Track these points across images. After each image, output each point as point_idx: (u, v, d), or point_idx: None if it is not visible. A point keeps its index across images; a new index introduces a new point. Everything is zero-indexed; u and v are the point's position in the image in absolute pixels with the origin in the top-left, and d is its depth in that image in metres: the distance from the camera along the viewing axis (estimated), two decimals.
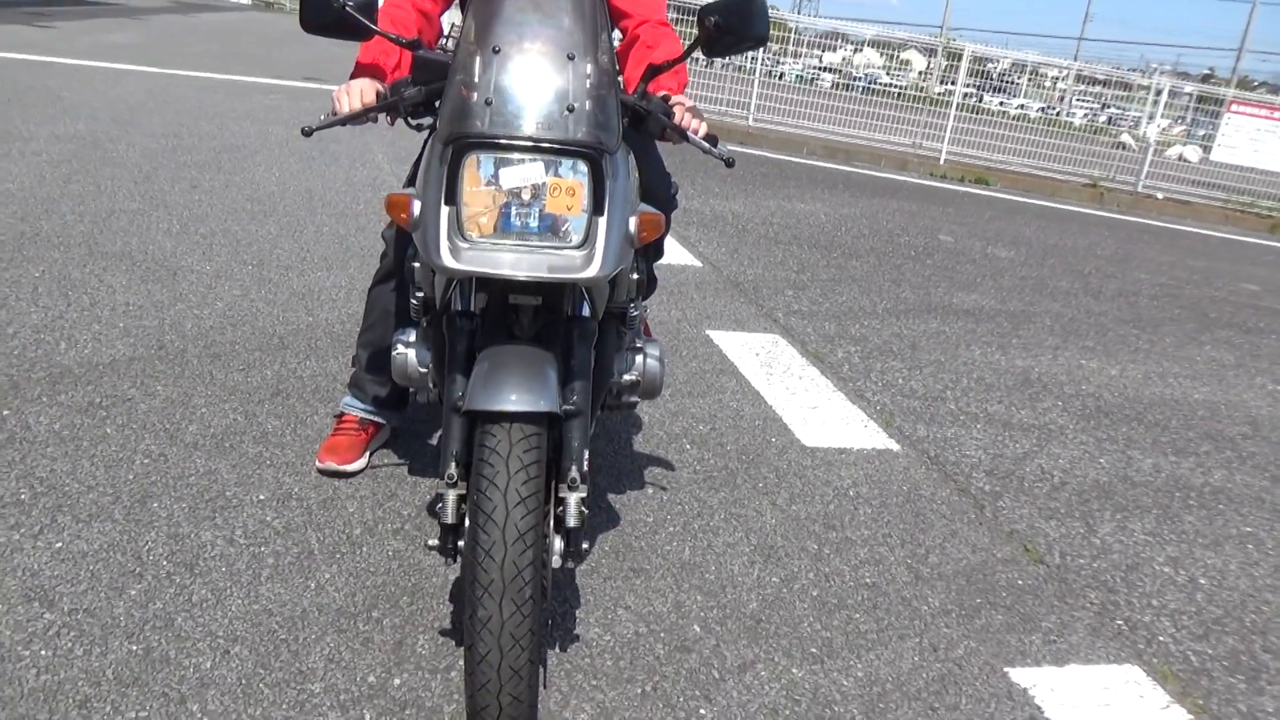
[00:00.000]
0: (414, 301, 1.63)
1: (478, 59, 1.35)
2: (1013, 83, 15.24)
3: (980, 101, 13.09)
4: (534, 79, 1.34)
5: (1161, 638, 2.02)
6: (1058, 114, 16.85)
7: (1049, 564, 2.26)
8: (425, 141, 1.71)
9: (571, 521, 1.40)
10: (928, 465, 2.70)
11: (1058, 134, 12.52)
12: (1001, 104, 14.42)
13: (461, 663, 1.58)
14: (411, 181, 1.79)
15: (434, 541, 1.42)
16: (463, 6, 1.89)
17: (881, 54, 15.38)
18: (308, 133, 1.55)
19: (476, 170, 1.34)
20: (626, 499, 2.24)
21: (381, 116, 1.64)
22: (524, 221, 1.36)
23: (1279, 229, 10.27)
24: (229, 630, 1.59)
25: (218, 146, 5.55)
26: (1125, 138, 13.34)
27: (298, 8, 1.57)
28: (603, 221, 1.38)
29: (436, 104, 1.54)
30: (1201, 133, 12.60)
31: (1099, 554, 2.35)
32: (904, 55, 15.60)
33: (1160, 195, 10.73)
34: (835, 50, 13.89)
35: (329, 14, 1.53)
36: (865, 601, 1.96)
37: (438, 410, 1.87)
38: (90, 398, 2.31)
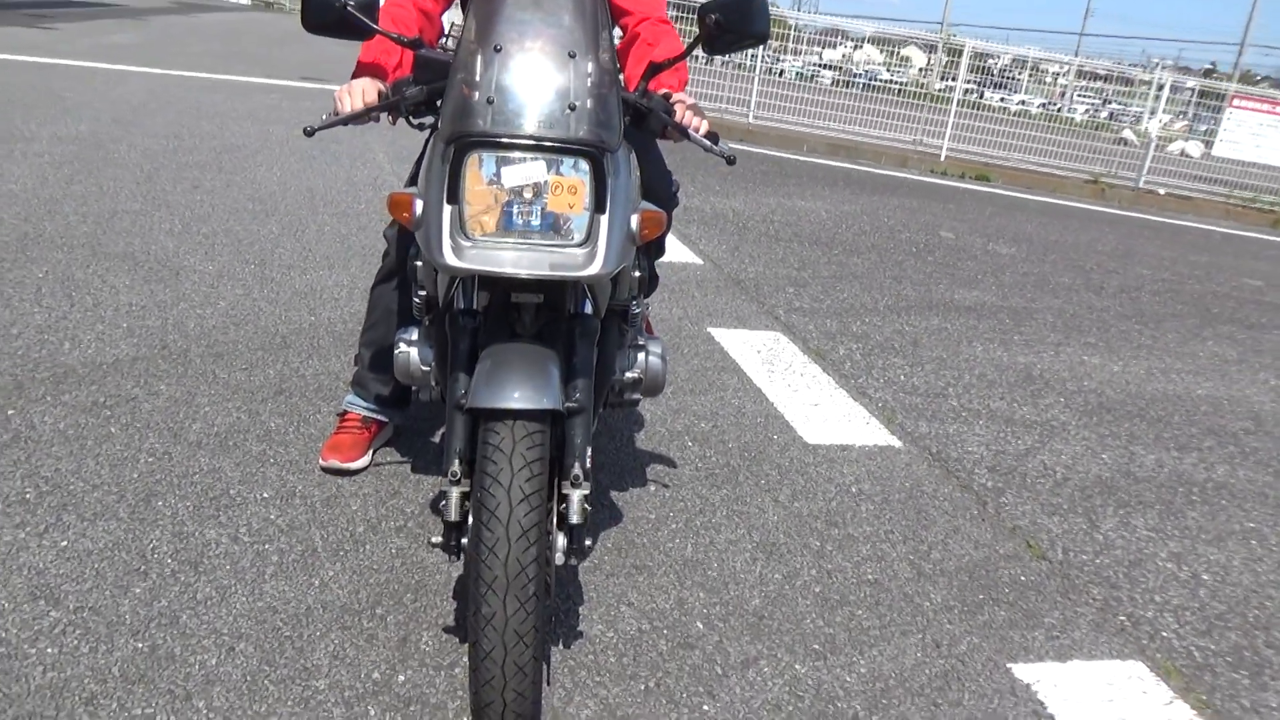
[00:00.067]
0: (416, 300, 1.64)
1: (479, 58, 1.36)
2: (1013, 79, 15.21)
3: (981, 98, 13.06)
4: (535, 77, 1.34)
5: (1165, 633, 2.03)
6: (1059, 110, 16.82)
7: (1052, 560, 2.26)
8: (427, 141, 1.72)
9: (574, 518, 1.41)
10: (930, 462, 2.70)
11: (1059, 130, 12.51)
12: (1002, 100, 14.40)
13: (465, 659, 1.58)
14: (413, 181, 1.80)
15: (437, 539, 1.43)
16: (463, 5, 1.89)
17: (882, 50, 15.37)
18: (310, 132, 1.55)
19: (478, 169, 1.35)
20: (629, 496, 2.24)
21: (383, 116, 1.64)
22: (526, 220, 1.36)
23: None
24: (234, 627, 1.60)
25: (219, 146, 5.56)
26: (1127, 133, 13.32)
27: (299, 8, 1.57)
28: (604, 219, 1.38)
29: (438, 103, 1.55)
30: (1203, 128, 12.58)
31: (1102, 550, 2.35)
32: (904, 52, 15.58)
33: (1162, 191, 10.72)
34: (835, 47, 13.86)
35: (330, 14, 1.53)
36: (868, 598, 1.97)
37: (440, 408, 1.88)
38: (94, 397, 2.32)
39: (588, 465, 1.42)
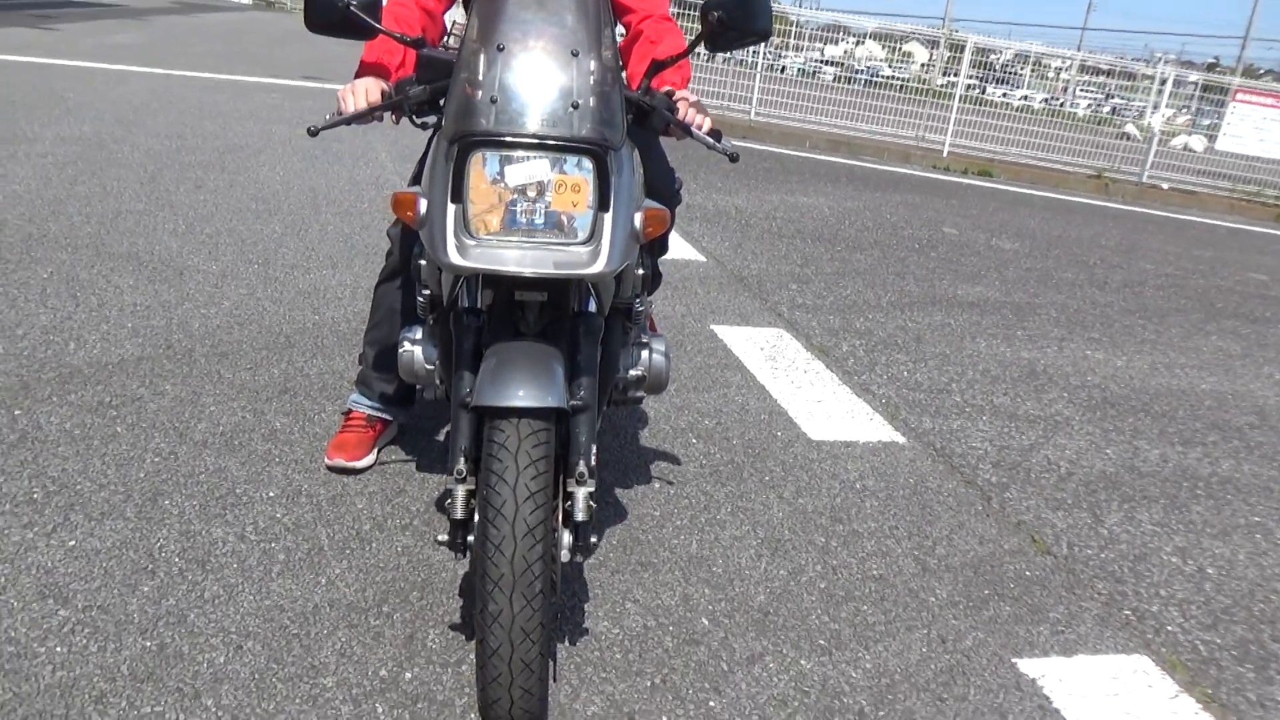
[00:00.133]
0: (420, 299, 1.64)
1: (482, 57, 1.36)
2: (1016, 74, 15.17)
3: (983, 93, 13.03)
4: (538, 76, 1.34)
5: (1170, 627, 2.03)
6: (1061, 105, 16.78)
7: (1056, 555, 2.26)
8: (430, 140, 1.72)
9: (580, 516, 1.41)
10: (934, 457, 2.70)
11: (1061, 125, 12.48)
12: (1004, 95, 14.36)
13: (472, 656, 1.59)
14: (417, 180, 1.80)
15: (443, 536, 1.43)
16: (466, 4, 1.90)
17: (883, 46, 15.32)
18: (313, 132, 1.55)
19: (482, 168, 1.35)
20: (633, 493, 2.24)
21: (386, 115, 1.64)
22: (530, 218, 1.36)
23: None
24: (241, 626, 1.61)
25: (221, 146, 5.57)
26: (1130, 128, 13.29)
27: (301, 7, 1.57)
28: (608, 217, 1.38)
29: (441, 102, 1.55)
30: (1207, 122, 12.55)
31: (1106, 544, 2.35)
32: (906, 47, 15.55)
33: (1165, 185, 10.69)
34: (837, 43, 13.83)
35: (334, 13, 1.53)
36: (873, 593, 1.97)
37: (444, 407, 1.88)
38: (100, 397, 2.33)
39: (592, 463, 1.43)
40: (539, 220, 1.37)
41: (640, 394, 1.81)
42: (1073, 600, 2.06)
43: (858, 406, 2.98)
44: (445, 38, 2.05)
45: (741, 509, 2.24)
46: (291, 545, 1.85)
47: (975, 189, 8.94)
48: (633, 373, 1.75)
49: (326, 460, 2.14)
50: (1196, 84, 12.70)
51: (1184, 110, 13.34)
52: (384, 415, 2.22)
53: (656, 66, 1.62)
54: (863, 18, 13.02)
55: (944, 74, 13.36)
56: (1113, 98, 16.76)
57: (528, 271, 1.35)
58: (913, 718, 1.62)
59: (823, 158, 9.58)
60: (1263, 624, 2.10)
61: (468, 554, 1.45)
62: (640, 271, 1.68)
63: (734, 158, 1.62)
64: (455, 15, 2.05)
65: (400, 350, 1.69)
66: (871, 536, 2.20)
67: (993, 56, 13.45)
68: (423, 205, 1.42)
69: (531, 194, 1.35)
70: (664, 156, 2.03)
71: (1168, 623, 2.04)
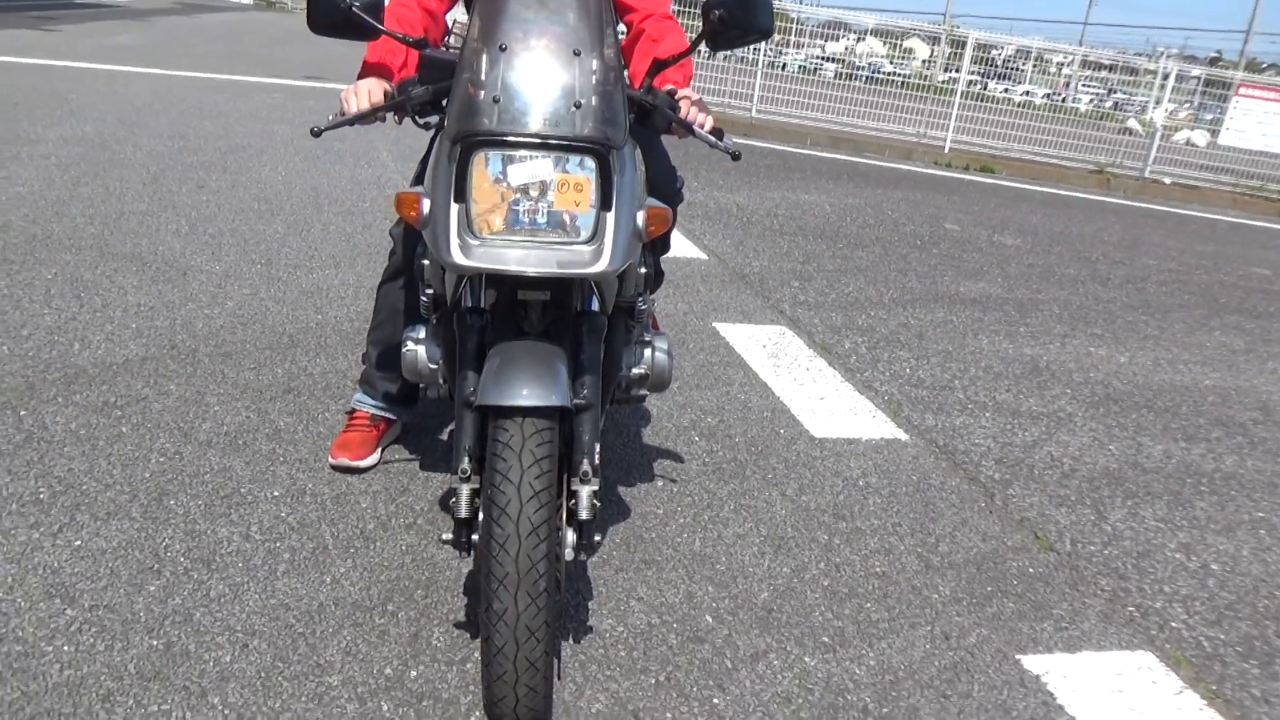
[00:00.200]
0: (424, 298, 1.64)
1: (484, 57, 1.36)
2: (1017, 69, 15.14)
3: (985, 89, 13.01)
4: (541, 76, 1.34)
5: (1174, 624, 2.03)
6: (1063, 100, 16.74)
7: (1060, 551, 2.26)
8: (432, 140, 1.72)
9: (584, 514, 1.41)
10: (937, 454, 2.70)
11: (1063, 120, 12.45)
12: (1006, 91, 14.34)
13: (477, 654, 1.60)
14: (419, 179, 1.81)
15: (448, 535, 1.44)
16: (468, 4, 1.90)
17: (884, 43, 15.29)
18: (317, 133, 1.56)
19: (485, 168, 1.35)
20: (637, 491, 2.25)
21: (389, 116, 1.65)
22: (532, 218, 1.37)
23: None
24: (247, 624, 1.61)
25: (223, 147, 5.57)
26: (1132, 123, 13.26)
27: (302, 7, 1.58)
28: (611, 217, 1.39)
29: (444, 102, 1.55)
30: (1209, 116, 12.51)
31: (1110, 541, 2.35)
32: (907, 44, 15.51)
33: (1168, 180, 10.67)
34: (838, 39, 13.81)
35: (336, 14, 1.54)
36: (876, 590, 1.97)
37: (448, 406, 1.89)
38: (105, 397, 2.34)
39: (596, 461, 1.43)
40: (542, 220, 1.37)
41: (643, 392, 1.81)
42: (1076, 597, 2.07)
43: (860, 404, 2.98)
44: (446, 36, 2.05)
45: (744, 506, 2.25)
46: (296, 544, 1.86)
47: (977, 185, 8.93)
48: (635, 371, 1.75)
49: (330, 460, 2.15)
50: (1199, 78, 12.67)
51: (1186, 105, 13.31)
52: (387, 414, 2.23)
53: (658, 65, 1.63)
54: (863, 14, 13.01)
55: (945, 70, 13.33)
56: (1115, 93, 16.72)
57: (531, 271, 1.36)
58: (917, 715, 1.62)
59: (824, 155, 9.58)
60: (1267, 620, 2.10)
61: (472, 552, 1.46)
62: (643, 270, 1.68)
63: (736, 156, 1.62)
64: (457, 14, 2.05)
65: (403, 350, 1.69)
66: (874, 534, 2.20)
67: (994, 52, 13.44)
68: (426, 205, 1.42)
69: (534, 193, 1.36)
70: (666, 155, 2.03)
71: (1172, 619, 2.04)
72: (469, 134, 1.35)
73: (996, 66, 13.58)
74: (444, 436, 2.40)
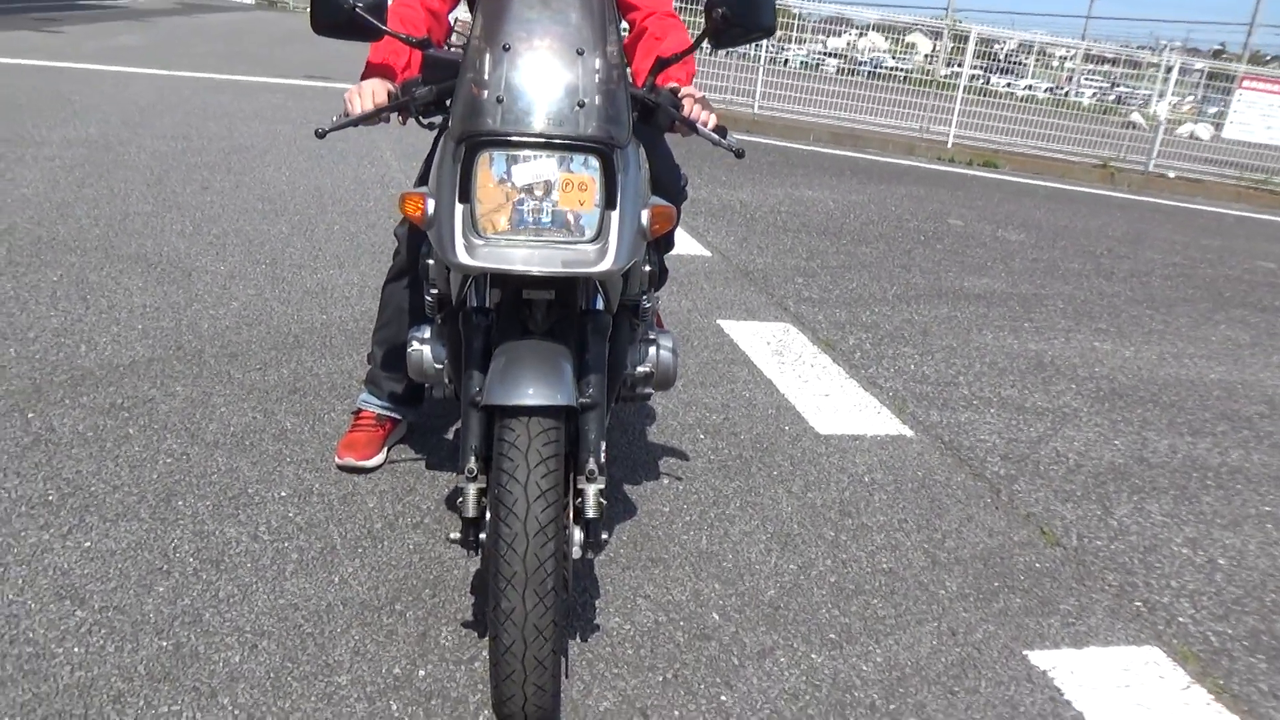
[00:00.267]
0: (429, 298, 1.65)
1: (488, 56, 1.36)
2: (1020, 63, 15.10)
3: (987, 83, 12.97)
4: (544, 75, 1.34)
5: (1181, 618, 2.03)
6: (1066, 94, 16.69)
7: (1066, 547, 2.26)
8: (435, 140, 1.73)
9: (590, 513, 1.42)
10: (942, 450, 2.70)
11: (1067, 114, 12.42)
12: (1009, 85, 14.29)
13: (485, 653, 1.60)
14: (422, 180, 1.81)
15: (455, 535, 1.44)
16: (471, 4, 1.90)
17: (886, 37, 15.26)
18: (321, 134, 1.56)
19: (489, 168, 1.36)
20: (643, 489, 2.25)
21: (393, 116, 1.65)
22: (537, 217, 1.37)
23: None
24: (256, 625, 1.62)
25: (227, 147, 5.58)
26: (1135, 117, 13.21)
27: (304, 7, 1.58)
28: (615, 215, 1.39)
29: (447, 103, 1.55)
30: (1213, 110, 12.47)
31: (1116, 536, 2.35)
32: (909, 38, 15.48)
33: (1172, 174, 10.63)
34: (839, 35, 13.78)
35: (340, 15, 1.54)
36: (883, 587, 1.98)
37: (453, 405, 1.89)
38: (112, 399, 2.35)
39: (602, 460, 1.43)
40: (546, 219, 1.37)
41: (648, 390, 1.82)
42: (1083, 592, 2.07)
43: (865, 400, 2.98)
44: (450, 35, 2.05)
45: (750, 504, 2.25)
46: (304, 544, 1.87)
47: (980, 180, 8.91)
48: (640, 369, 1.75)
49: (337, 459, 2.16)
50: (1202, 71, 12.62)
51: (1190, 98, 13.25)
52: (393, 414, 2.24)
53: (661, 63, 1.63)
54: (865, 9, 12.96)
55: (948, 65, 13.30)
56: (1118, 86, 16.66)
57: (536, 270, 1.36)
58: (924, 711, 1.62)
59: (827, 150, 9.56)
60: (1274, 614, 2.10)
61: (479, 551, 1.46)
62: (647, 268, 1.69)
63: (739, 154, 1.62)
64: (459, 13, 2.05)
65: (409, 349, 1.69)
66: (880, 530, 2.20)
67: (996, 46, 13.38)
68: (430, 205, 1.42)
69: (538, 193, 1.36)
70: (669, 153, 2.03)
71: (1179, 614, 2.04)
72: (473, 134, 1.35)
73: (999, 61, 13.53)
74: (450, 436, 2.41)
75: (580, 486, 1.43)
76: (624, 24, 1.94)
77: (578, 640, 1.69)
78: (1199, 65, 12.82)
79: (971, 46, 11.09)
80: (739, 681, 1.64)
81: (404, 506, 2.05)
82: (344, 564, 1.82)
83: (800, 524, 2.19)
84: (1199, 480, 2.76)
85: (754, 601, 1.87)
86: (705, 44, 1.57)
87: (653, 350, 1.77)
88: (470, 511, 1.42)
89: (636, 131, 1.56)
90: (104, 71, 8.17)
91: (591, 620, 1.75)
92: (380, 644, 1.62)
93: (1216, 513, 2.57)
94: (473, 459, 1.40)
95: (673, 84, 1.71)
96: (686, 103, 1.67)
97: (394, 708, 1.48)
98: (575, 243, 1.38)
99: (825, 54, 14.13)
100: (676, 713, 1.54)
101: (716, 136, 1.64)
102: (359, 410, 2.24)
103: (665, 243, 2.11)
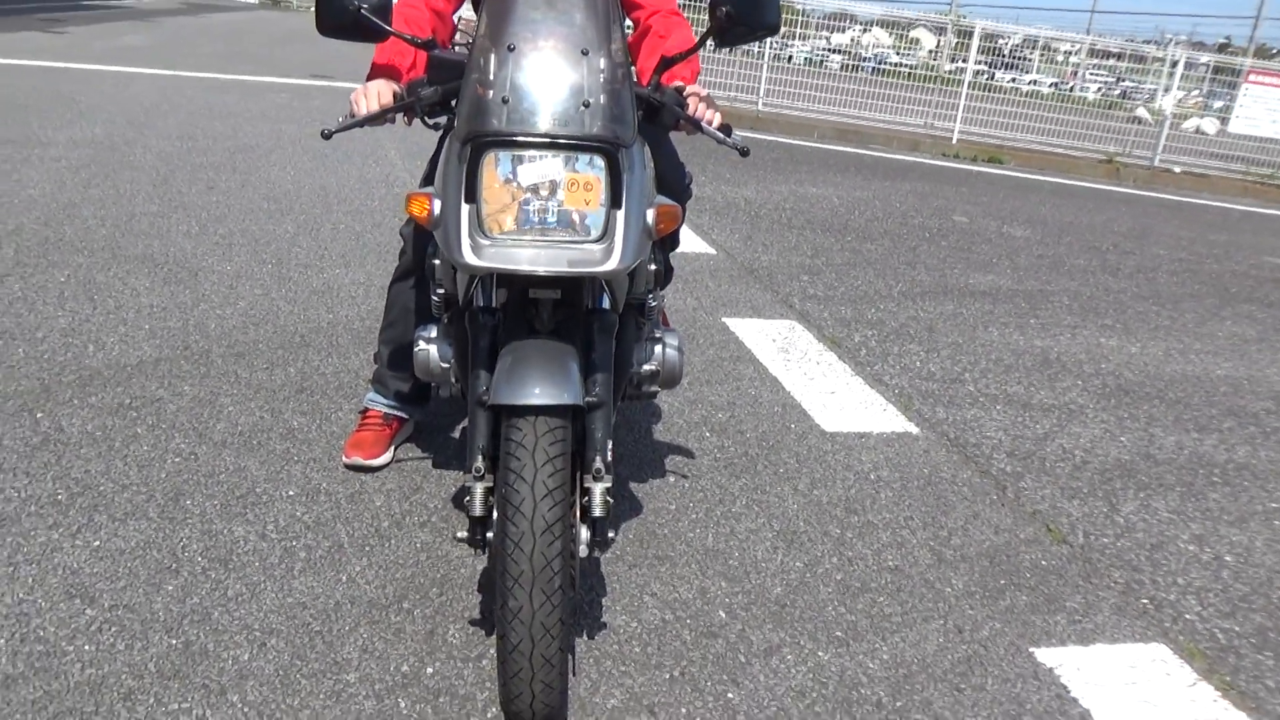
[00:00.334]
0: (435, 298, 1.65)
1: (493, 57, 1.37)
2: (1025, 58, 15.04)
3: (992, 79, 12.93)
4: (549, 75, 1.35)
5: (1188, 615, 2.02)
6: (1071, 89, 16.63)
7: (1072, 544, 2.26)
8: (440, 140, 1.73)
9: (597, 511, 1.42)
10: (948, 447, 2.70)
11: (1072, 109, 12.38)
12: (1013, 80, 14.25)
13: (493, 651, 1.61)
14: (428, 179, 1.81)
15: (463, 533, 1.45)
16: (475, 4, 1.90)
17: (890, 33, 15.23)
18: (328, 135, 1.57)
19: (495, 168, 1.36)
20: (649, 488, 2.26)
21: (399, 116, 1.65)
22: (543, 217, 1.37)
23: None
24: (264, 623, 1.63)
25: (232, 147, 5.60)
26: (1141, 111, 13.16)
27: (307, 6, 1.59)
28: (621, 215, 1.39)
29: (453, 103, 1.56)
30: (1219, 104, 12.41)
31: (1123, 533, 2.35)
32: (913, 34, 15.44)
33: (1178, 169, 10.60)
34: (843, 31, 13.74)
35: (345, 17, 1.54)
36: (889, 584, 1.98)
37: (460, 404, 1.90)
38: (120, 399, 2.36)
39: (609, 458, 1.44)
40: (552, 219, 1.38)
41: (654, 389, 1.82)
42: (1089, 589, 2.06)
43: (871, 397, 2.98)
44: (455, 34, 2.05)
45: (756, 502, 2.25)
46: (312, 543, 1.88)
47: (985, 176, 8.89)
48: (646, 368, 1.76)
49: (344, 458, 2.16)
50: (1208, 65, 12.56)
51: (1195, 93, 13.19)
52: (400, 413, 2.24)
53: (666, 62, 1.63)
54: (869, 5, 12.92)
55: (952, 60, 13.27)
56: (1123, 81, 16.60)
57: (542, 270, 1.36)
58: (930, 708, 1.63)
59: (831, 147, 9.55)
60: None
61: (486, 550, 1.47)
62: (652, 267, 1.69)
63: (744, 152, 1.62)
64: (464, 13, 2.06)
65: (415, 349, 1.70)
66: (886, 528, 2.21)
67: (1001, 41, 13.34)
68: (436, 206, 1.43)
69: (544, 193, 1.36)
70: (674, 152, 2.04)
71: (1185, 611, 2.04)
72: (478, 135, 1.35)
73: (1003, 56, 13.48)
74: (456, 435, 2.41)
75: (587, 485, 1.43)
76: (628, 23, 1.95)
77: (585, 638, 1.69)
78: (1204, 59, 12.77)
79: (976, 42, 11.06)
80: (746, 679, 1.64)
81: (411, 505, 2.05)
82: (352, 562, 1.83)
83: (806, 521, 2.19)
84: (1205, 477, 2.76)
85: (760, 599, 1.87)
86: (709, 42, 1.57)
87: (658, 348, 1.77)
88: (477, 510, 1.42)
89: (641, 130, 1.56)
90: (109, 72, 8.19)
91: (598, 618, 1.75)
92: (388, 642, 1.62)
93: (1223, 509, 2.57)
94: (480, 458, 1.41)
95: (678, 83, 1.72)
96: (691, 101, 1.67)
97: (402, 705, 1.49)
98: (581, 242, 1.38)
99: (829, 50, 14.10)
100: (683, 710, 1.55)
101: (721, 135, 1.65)
102: (366, 409, 2.25)
103: (671, 241, 2.11)
